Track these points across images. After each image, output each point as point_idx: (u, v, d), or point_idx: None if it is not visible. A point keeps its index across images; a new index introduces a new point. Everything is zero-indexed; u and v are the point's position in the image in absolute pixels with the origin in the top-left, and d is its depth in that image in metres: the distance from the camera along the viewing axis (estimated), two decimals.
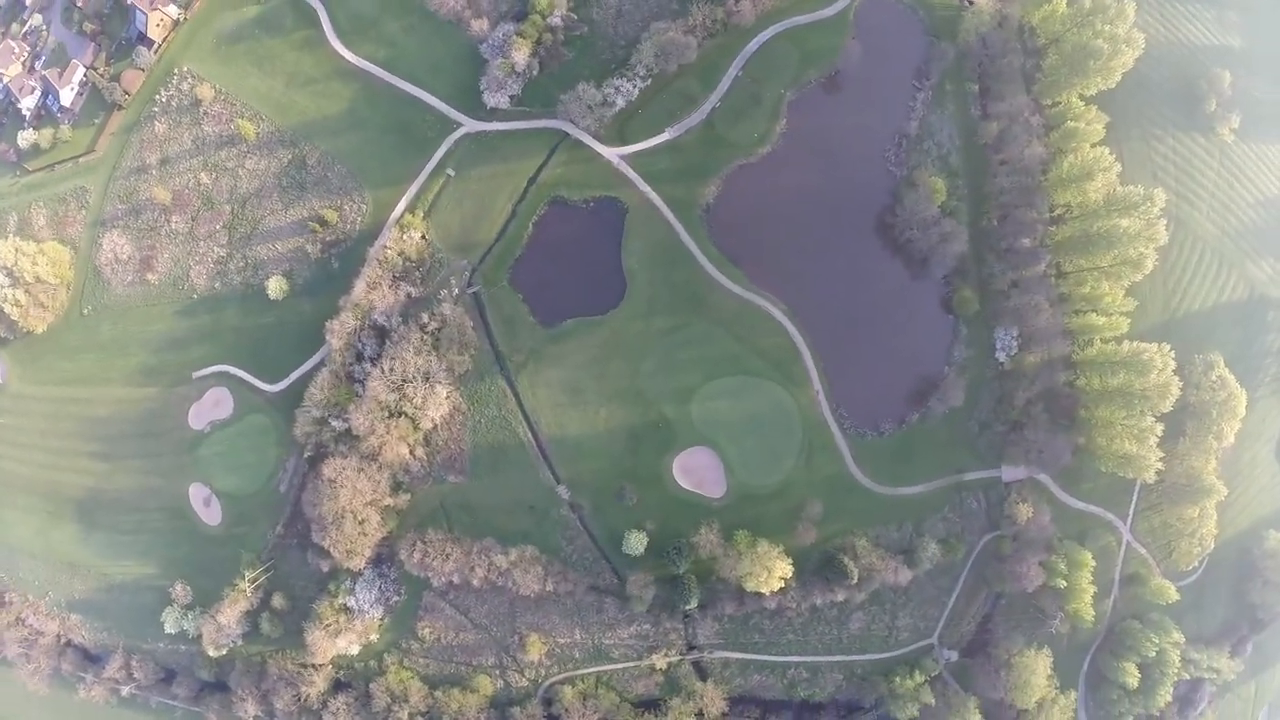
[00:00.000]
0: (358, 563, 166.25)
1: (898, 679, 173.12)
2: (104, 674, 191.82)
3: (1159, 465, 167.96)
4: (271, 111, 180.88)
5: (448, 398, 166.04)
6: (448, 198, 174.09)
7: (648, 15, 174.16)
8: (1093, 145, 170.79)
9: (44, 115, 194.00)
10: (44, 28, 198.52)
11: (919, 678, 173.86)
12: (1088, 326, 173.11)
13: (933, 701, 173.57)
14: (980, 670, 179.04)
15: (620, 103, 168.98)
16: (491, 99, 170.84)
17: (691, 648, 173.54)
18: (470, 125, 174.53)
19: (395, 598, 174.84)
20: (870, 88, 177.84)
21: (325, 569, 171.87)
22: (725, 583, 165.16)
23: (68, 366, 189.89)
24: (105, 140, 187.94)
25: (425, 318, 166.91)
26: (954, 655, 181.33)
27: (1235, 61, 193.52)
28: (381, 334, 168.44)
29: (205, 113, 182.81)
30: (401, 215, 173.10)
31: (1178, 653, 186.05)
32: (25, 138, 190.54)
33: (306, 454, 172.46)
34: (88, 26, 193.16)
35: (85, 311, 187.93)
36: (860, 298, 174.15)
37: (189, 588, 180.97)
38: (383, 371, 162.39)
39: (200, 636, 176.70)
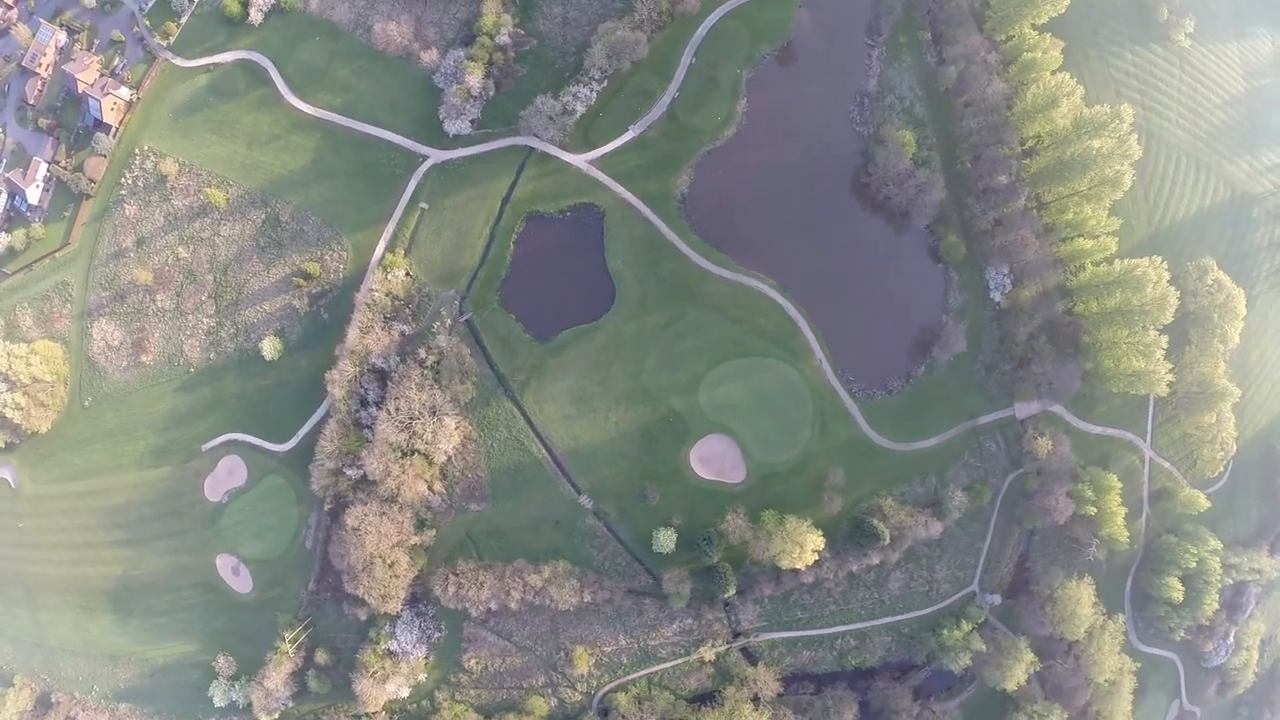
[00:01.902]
0: (394, 606, 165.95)
1: (945, 631, 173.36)
2: None
3: (1169, 377, 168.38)
4: (238, 175, 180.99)
5: (457, 428, 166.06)
6: (425, 231, 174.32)
7: (594, 18, 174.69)
8: (1052, 73, 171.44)
9: (13, 217, 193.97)
10: None
11: (966, 627, 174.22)
12: (1077, 252, 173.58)
13: (984, 648, 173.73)
14: (1025, 609, 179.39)
15: (580, 109, 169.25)
16: (453, 126, 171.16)
17: (737, 635, 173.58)
18: (436, 156, 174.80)
19: (437, 634, 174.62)
20: (824, 53, 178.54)
21: (363, 617, 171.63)
22: (760, 565, 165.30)
23: (78, 460, 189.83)
24: (78, 231, 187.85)
25: (422, 353, 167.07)
26: (997, 599, 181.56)
27: None
28: (382, 376, 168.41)
29: (173, 187, 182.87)
30: (382, 256, 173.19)
31: (1217, 559, 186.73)
32: None
33: (327, 507, 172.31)
34: (43, 122, 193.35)
35: (86, 403, 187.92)
36: (848, 261, 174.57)
37: (232, 658, 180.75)
38: (389, 413, 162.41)
39: (251, 705, 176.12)
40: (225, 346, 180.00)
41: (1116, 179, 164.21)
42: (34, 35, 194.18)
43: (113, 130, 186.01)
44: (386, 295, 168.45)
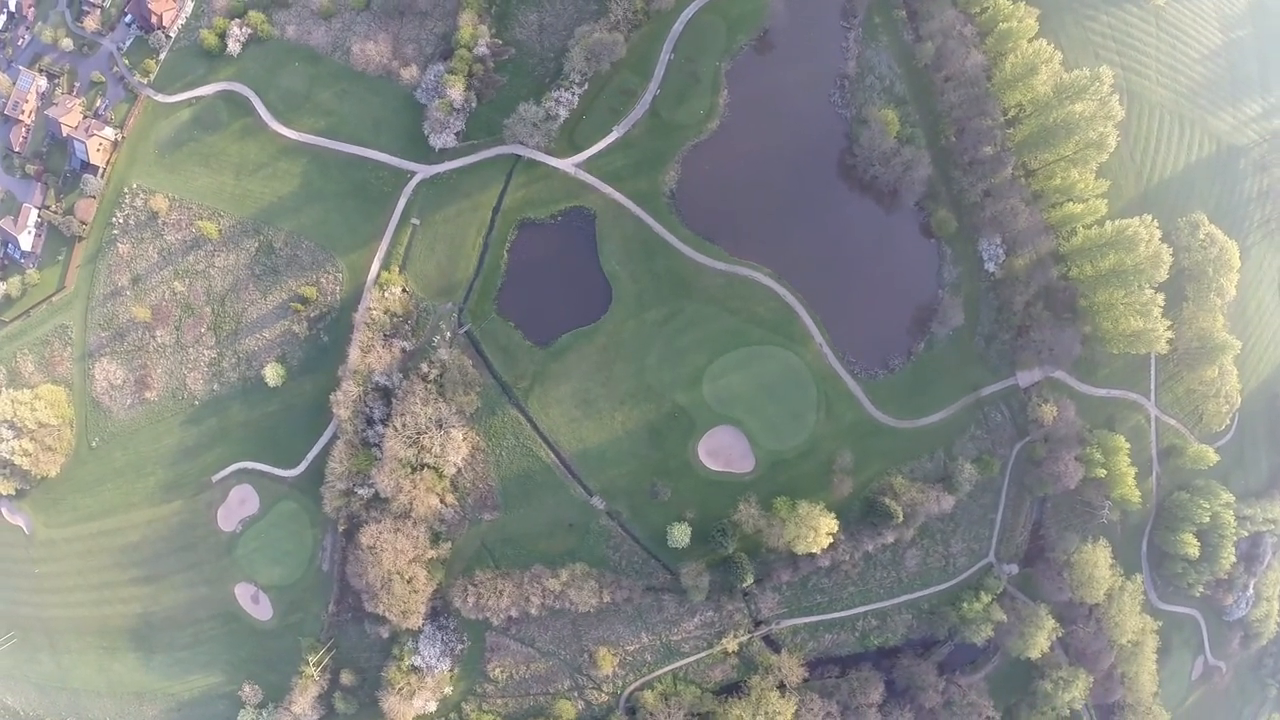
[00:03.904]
0: (415, 621, 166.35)
1: (965, 604, 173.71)
2: None
3: (1169, 335, 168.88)
4: (228, 206, 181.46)
5: (465, 439, 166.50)
6: (419, 246, 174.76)
7: (570, 22, 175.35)
8: (1029, 40, 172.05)
9: (8, 265, 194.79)
10: None
11: (985, 598, 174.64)
12: (1067, 217, 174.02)
13: (1005, 618, 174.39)
14: (1043, 576, 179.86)
15: (563, 113, 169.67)
16: (438, 140, 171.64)
17: (758, 623, 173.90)
18: (424, 171, 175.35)
19: (459, 646, 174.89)
20: (801, 39, 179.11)
21: (385, 635, 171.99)
22: (775, 552, 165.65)
23: (89, 501, 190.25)
24: (73, 274, 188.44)
25: (425, 367, 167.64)
26: (1014, 568, 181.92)
27: None
28: (386, 394, 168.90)
29: (164, 223, 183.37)
30: (378, 275, 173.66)
31: (1231, 513, 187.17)
32: None
33: (341, 528, 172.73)
34: (30, 168, 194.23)
35: (94, 444, 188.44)
36: (841, 243, 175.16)
37: (257, 686, 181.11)
38: (395, 429, 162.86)
39: None
40: (228, 376, 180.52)
41: (1101, 141, 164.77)
42: (14, 83, 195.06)
43: (100, 171, 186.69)
44: (385, 313, 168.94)
